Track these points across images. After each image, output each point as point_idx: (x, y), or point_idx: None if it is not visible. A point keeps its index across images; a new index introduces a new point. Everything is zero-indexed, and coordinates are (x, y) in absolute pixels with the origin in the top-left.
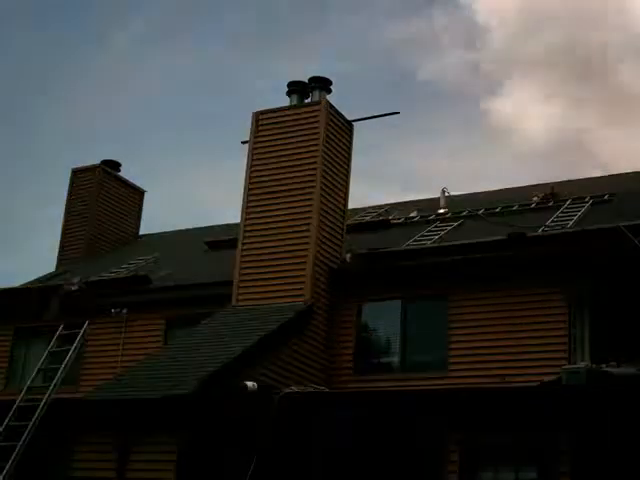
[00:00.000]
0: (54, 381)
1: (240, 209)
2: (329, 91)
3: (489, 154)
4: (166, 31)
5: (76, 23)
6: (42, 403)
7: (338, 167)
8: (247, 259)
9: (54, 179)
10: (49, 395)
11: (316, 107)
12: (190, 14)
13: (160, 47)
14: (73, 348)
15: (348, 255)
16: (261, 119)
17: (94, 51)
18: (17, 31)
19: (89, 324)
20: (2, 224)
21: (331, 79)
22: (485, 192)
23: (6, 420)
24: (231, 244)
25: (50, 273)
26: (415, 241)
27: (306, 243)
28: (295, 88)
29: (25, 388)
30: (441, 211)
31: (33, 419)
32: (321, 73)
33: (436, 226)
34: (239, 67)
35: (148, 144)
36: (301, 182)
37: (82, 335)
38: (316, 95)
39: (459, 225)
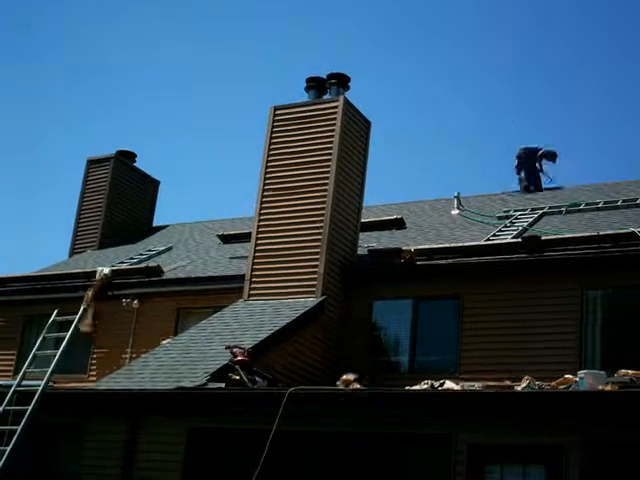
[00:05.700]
0: (51, 367)
1: (255, 203)
2: (347, 88)
3: None
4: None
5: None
6: (40, 389)
7: (354, 165)
8: (260, 254)
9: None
10: (47, 381)
11: (334, 103)
12: None
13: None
14: (69, 334)
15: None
16: (278, 114)
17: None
18: None
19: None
20: (14, 214)
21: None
22: (499, 195)
23: (2, 405)
24: (244, 238)
25: (63, 261)
26: (428, 240)
27: (319, 240)
28: (313, 84)
29: (21, 373)
30: (455, 212)
31: (32, 404)
32: None
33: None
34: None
35: (164, 134)
36: (316, 178)
37: (77, 321)
38: (334, 91)
39: (473, 226)
